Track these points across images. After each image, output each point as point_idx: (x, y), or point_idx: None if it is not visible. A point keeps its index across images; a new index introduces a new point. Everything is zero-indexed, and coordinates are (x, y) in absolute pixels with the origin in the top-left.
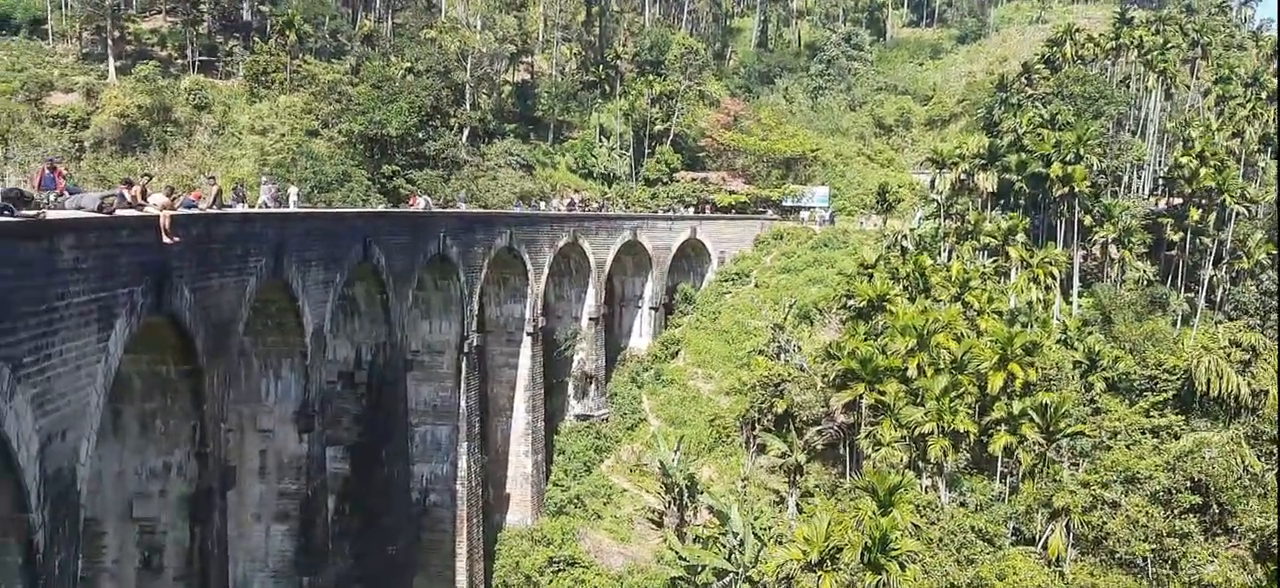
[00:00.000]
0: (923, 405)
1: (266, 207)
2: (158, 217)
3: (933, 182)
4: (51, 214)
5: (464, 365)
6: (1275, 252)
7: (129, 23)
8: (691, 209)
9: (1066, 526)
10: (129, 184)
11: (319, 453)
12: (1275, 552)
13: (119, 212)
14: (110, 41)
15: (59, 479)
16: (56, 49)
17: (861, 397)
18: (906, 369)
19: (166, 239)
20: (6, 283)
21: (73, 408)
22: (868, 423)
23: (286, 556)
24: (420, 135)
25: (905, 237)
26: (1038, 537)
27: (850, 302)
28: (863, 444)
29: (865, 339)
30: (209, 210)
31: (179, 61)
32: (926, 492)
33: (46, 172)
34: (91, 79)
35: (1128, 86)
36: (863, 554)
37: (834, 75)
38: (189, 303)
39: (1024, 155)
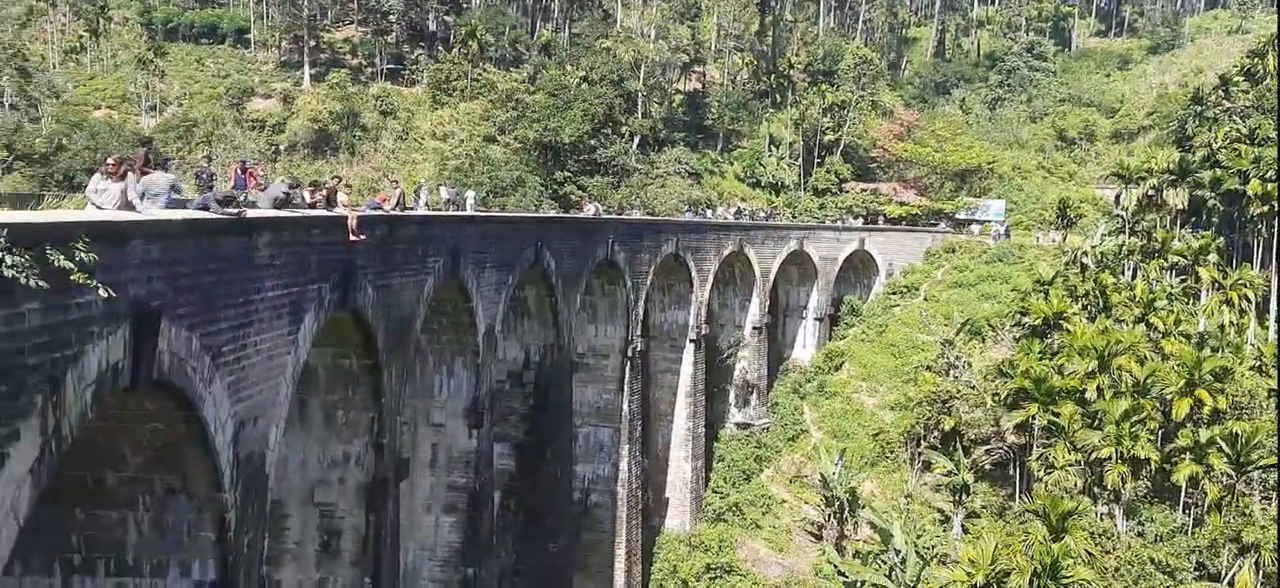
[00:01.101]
0: (1100, 429)
1: (446, 206)
2: (346, 217)
3: (1118, 197)
4: (250, 213)
5: (627, 370)
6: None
7: (324, 33)
8: (860, 220)
9: (1256, 563)
10: (316, 186)
11: (487, 449)
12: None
13: (303, 211)
14: (306, 50)
15: (250, 463)
16: (258, 57)
17: (1034, 417)
18: (1084, 391)
19: (353, 238)
20: (211, 276)
21: (264, 396)
22: (1040, 445)
23: (453, 546)
24: (592, 143)
25: (1085, 253)
26: (1223, 573)
27: (1025, 319)
28: (1034, 466)
29: (1040, 358)
30: (392, 212)
31: (368, 70)
32: (1102, 519)
33: (238, 172)
34: (288, 85)
35: None
36: (1032, 580)
37: (1014, 86)
38: (371, 300)
39: (1219, 171)
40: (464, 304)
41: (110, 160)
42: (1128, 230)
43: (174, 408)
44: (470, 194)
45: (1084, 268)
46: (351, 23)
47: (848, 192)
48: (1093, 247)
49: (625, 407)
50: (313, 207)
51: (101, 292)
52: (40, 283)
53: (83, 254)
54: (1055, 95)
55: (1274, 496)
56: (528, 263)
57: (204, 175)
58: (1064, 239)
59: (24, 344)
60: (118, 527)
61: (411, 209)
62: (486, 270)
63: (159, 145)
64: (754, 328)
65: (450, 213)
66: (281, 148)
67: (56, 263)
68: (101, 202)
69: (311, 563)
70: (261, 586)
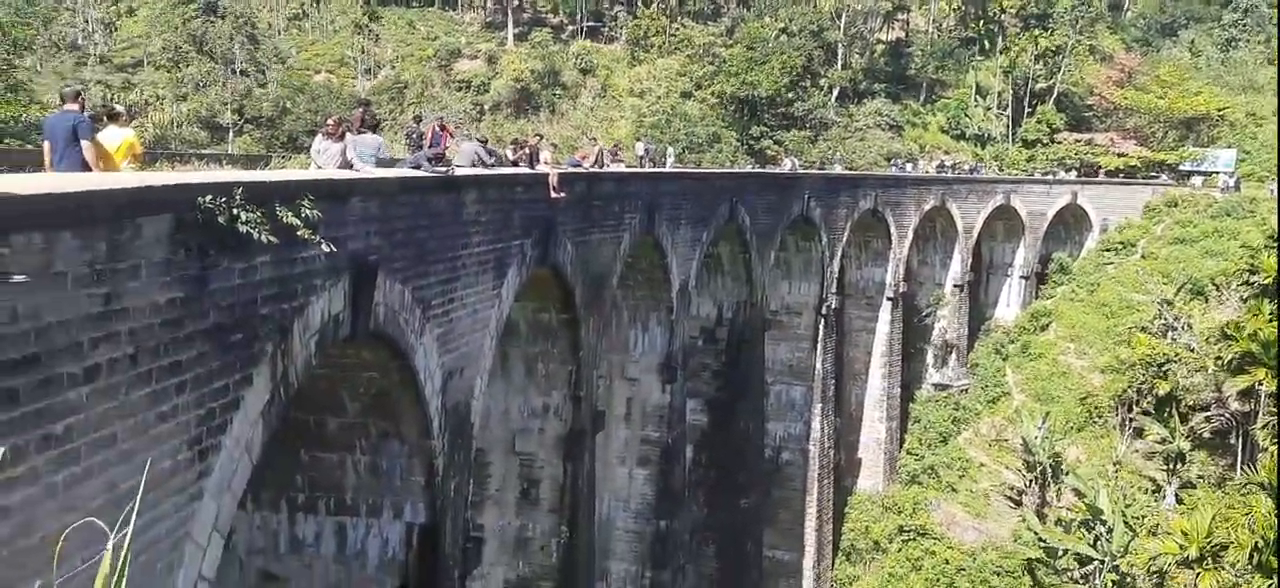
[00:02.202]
0: None
1: (641, 162)
2: (547, 174)
3: None
4: (457, 167)
5: (821, 328)
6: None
7: None
8: (1073, 173)
9: None
10: (518, 144)
11: (680, 404)
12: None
13: (503, 169)
14: (510, 10)
15: (456, 412)
16: (465, 18)
17: (1260, 383)
18: None
19: (554, 196)
20: (423, 232)
21: (470, 348)
22: (1267, 413)
23: (647, 498)
24: (790, 96)
25: None
26: None
27: (1254, 277)
28: (1260, 436)
29: (1270, 320)
30: (591, 169)
31: (569, 28)
32: None
33: (437, 129)
34: (493, 46)
35: None
36: (1252, 555)
37: (1252, 26)
38: (570, 256)
39: None
40: (658, 260)
41: (330, 122)
42: None
43: (388, 358)
44: (670, 150)
45: None
46: None
47: (1060, 142)
48: None
49: (818, 365)
50: (515, 164)
51: (324, 247)
52: (271, 238)
53: (308, 211)
54: None
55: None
56: (722, 219)
57: (414, 135)
58: None
59: (256, 295)
60: (337, 469)
61: (608, 167)
62: (681, 227)
63: (373, 107)
64: (955, 286)
65: (646, 169)
66: (485, 107)
67: (285, 219)
68: (322, 161)
69: (512, 509)
70: (466, 529)
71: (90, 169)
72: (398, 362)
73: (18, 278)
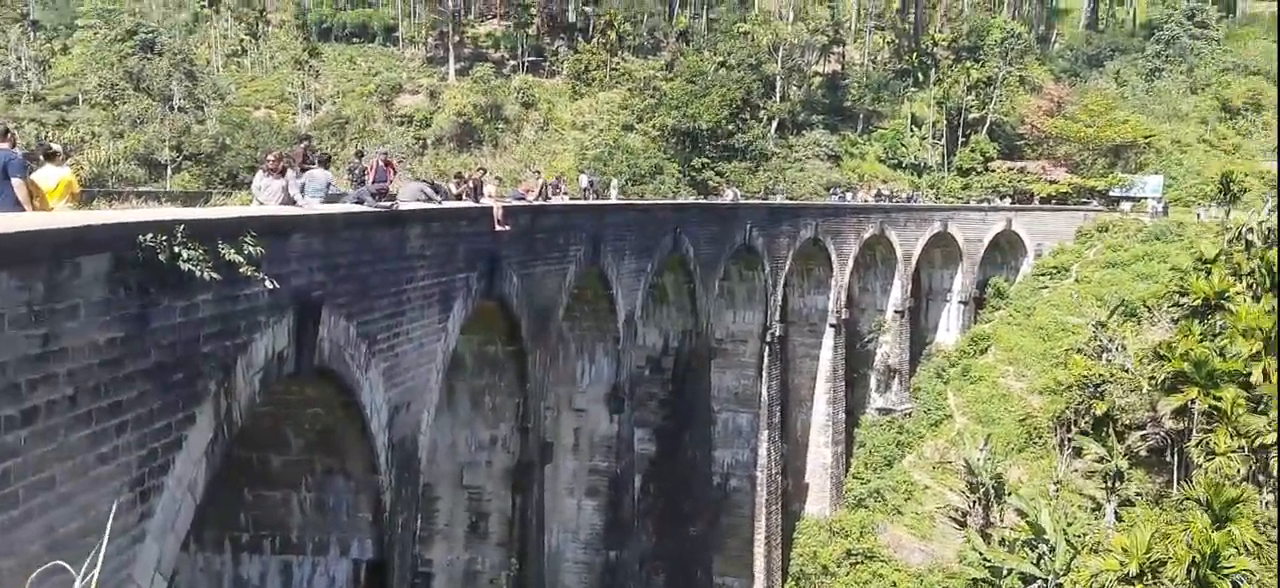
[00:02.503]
0: (1266, 414)
1: (585, 194)
2: (492, 208)
3: None
4: (401, 206)
5: (766, 355)
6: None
7: (467, 28)
8: (1007, 200)
9: None
10: (461, 178)
11: (628, 434)
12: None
13: (447, 204)
14: (451, 46)
15: (403, 446)
16: (406, 54)
17: (1193, 402)
18: (1248, 374)
19: (499, 228)
20: (366, 267)
21: (416, 382)
22: (1200, 430)
23: (596, 529)
24: (730, 128)
25: (1251, 229)
26: None
27: (1183, 299)
28: (1193, 453)
29: (1200, 340)
30: (535, 203)
31: (510, 63)
32: (1266, 508)
33: (381, 165)
34: (434, 81)
35: None
36: (1190, 570)
37: (1173, 56)
38: (516, 288)
39: None
40: (604, 291)
41: (271, 158)
42: None
43: (333, 394)
44: (614, 182)
45: (1249, 245)
46: (494, 17)
47: (994, 171)
48: (1259, 222)
49: (764, 392)
50: (458, 198)
51: (268, 283)
52: (212, 275)
53: (251, 248)
54: (1218, 65)
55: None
56: (666, 250)
57: (356, 170)
58: (1227, 215)
59: (198, 333)
60: (282, 507)
61: (552, 199)
62: (626, 258)
63: (315, 142)
64: (896, 312)
65: (590, 201)
66: (428, 142)
67: (227, 256)
68: (264, 197)
69: (461, 543)
70: (415, 564)
71: (22, 208)
72: (343, 397)
73: None
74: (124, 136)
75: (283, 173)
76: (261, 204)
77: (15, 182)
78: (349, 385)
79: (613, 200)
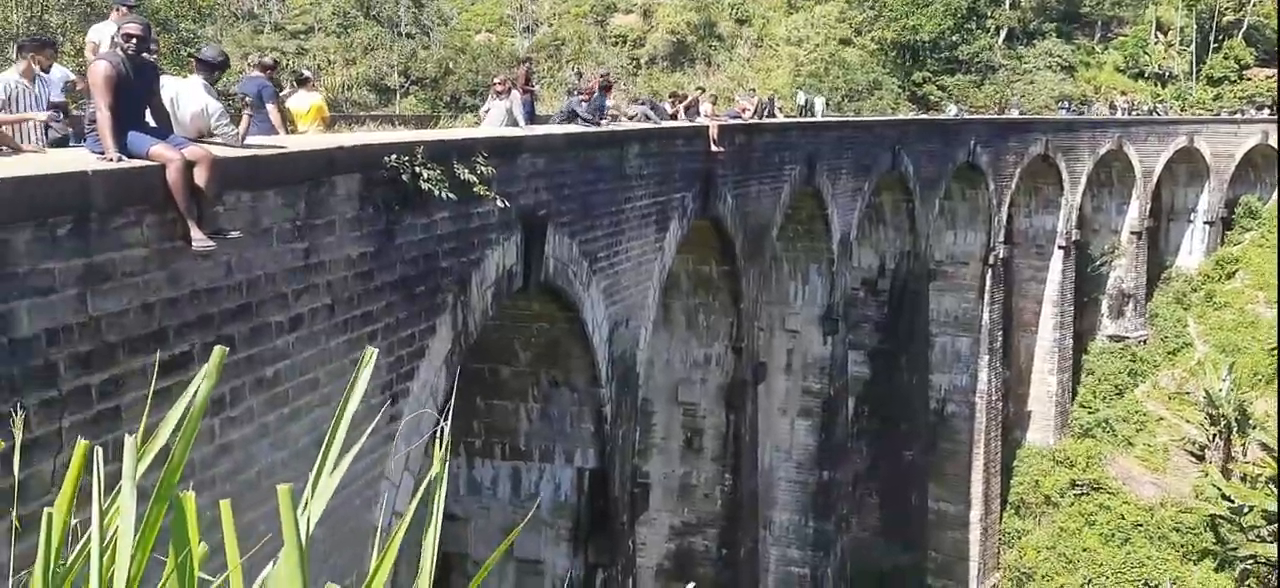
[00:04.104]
0: None
1: (802, 112)
2: (707, 127)
3: None
4: (616, 126)
5: (988, 278)
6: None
7: None
8: (1265, 112)
9: None
10: (677, 97)
11: (842, 356)
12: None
13: (665, 123)
14: None
15: (623, 361)
16: None
17: None
18: None
19: (714, 148)
20: (587, 187)
21: (634, 299)
22: None
23: (809, 449)
24: (954, 39)
25: None
26: None
27: None
28: None
29: None
30: (750, 120)
31: None
32: None
33: (599, 87)
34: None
35: None
36: None
37: None
38: (730, 208)
39: None
40: (819, 211)
41: (498, 80)
42: None
43: (557, 310)
44: (820, 100)
45: None
46: None
47: (1250, 79)
48: None
49: (985, 316)
50: (674, 117)
51: (499, 202)
52: (449, 194)
53: (483, 168)
54: None
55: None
56: (884, 168)
57: (576, 93)
58: None
59: (437, 249)
60: (511, 416)
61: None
62: (842, 176)
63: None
64: (1132, 233)
65: (805, 119)
66: (641, 62)
67: (462, 176)
68: (490, 119)
69: (676, 457)
70: (634, 475)
71: (275, 132)
72: (567, 313)
73: (233, 234)
74: (356, 63)
75: (508, 94)
76: (489, 125)
77: (269, 108)
78: (572, 301)
79: (818, 117)
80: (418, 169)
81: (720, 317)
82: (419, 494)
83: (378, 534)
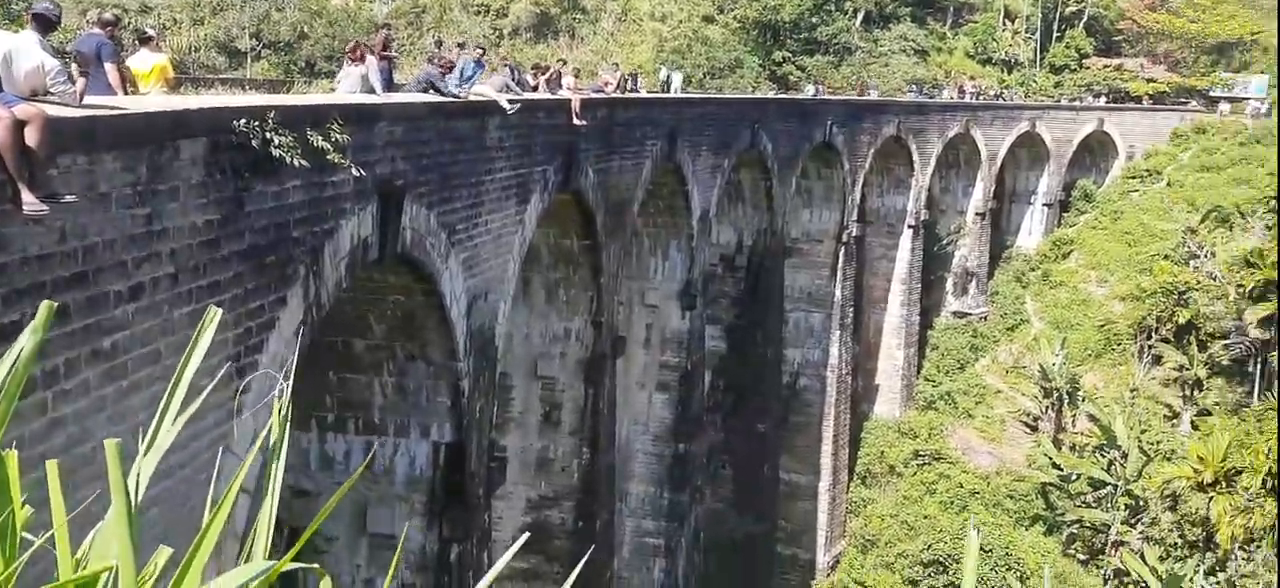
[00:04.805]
0: None
1: (664, 88)
2: (570, 100)
3: None
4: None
5: (841, 255)
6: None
7: None
8: (1102, 99)
9: None
10: (539, 69)
11: (699, 330)
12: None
13: (525, 95)
14: None
15: (481, 334)
16: None
17: None
18: None
19: (576, 121)
20: (447, 157)
21: (494, 272)
22: None
23: (665, 422)
24: (813, 20)
25: None
26: None
27: None
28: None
29: None
30: (613, 95)
31: None
32: None
33: (471, 60)
34: None
35: None
36: (1265, 480)
37: None
38: (592, 182)
39: None
40: (679, 187)
41: (351, 46)
42: None
43: (414, 282)
44: (677, 76)
45: None
46: None
47: (1088, 68)
48: None
49: (837, 292)
50: (535, 90)
51: (354, 170)
52: (302, 162)
53: (337, 135)
54: None
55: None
56: (744, 146)
57: (435, 60)
58: None
59: (289, 218)
60: (365, 390)
61: (630, 92)
62: (702, 153)
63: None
64: (977, 214)
65: (669, 95)
66: (504, 32)
67: (315, 143)
68: (345, 86)
69: (534, 431)
70: (491, 449)
71: (114, 93)
72: (424, 285)
73: (68, 198)
74: (205, 23)
75: (362, 60)
76: (344, 92)
77: (108, 67)
78: (430, 273)
79: (674, 93)
80: (269, 135)
81: (580, 291)
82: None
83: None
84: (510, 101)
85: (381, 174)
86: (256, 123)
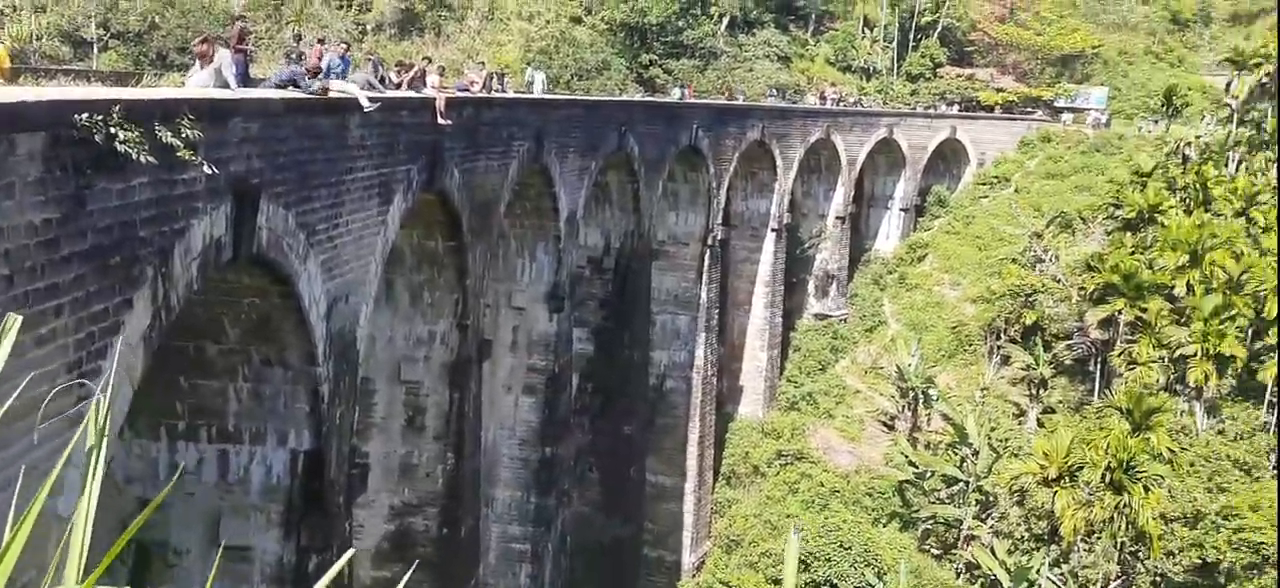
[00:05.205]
0: (1187, 326)
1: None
2: (434, 98)
3: (1229, 85)
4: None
5: (707, 258)
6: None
7: None
8: (954, 107)
9: None
10: (403, 67)
11: (567, 333)
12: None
13: (389, 92)
14: None
15: (342, 338)
16: None
17: (1120, 313)
18: (1173, 287)
19: (441, 120)
20: (306, 155)
21: (355, 274)
22: (1124, 341)
23: (532, 426)
24: (680, 24)
25: (1189, 144)
26: None
27: (1118, 212)
28: (1116, 362)
29: (1131, 253)
30: (479, 94)
31: None
32: (1182, 417)
33: (335, 55)
34: None
35: None
36: (1105, 474)
37: None
38: (458, 182)
39: None
40: (547, 189)
41: (199, 40)
42: (1237, 121)
43: (271, 284)
44: (540, 76)
45: (1186, 159)
46: None
47: (942, 77)
48: (1197, 137)
49: (703, 295)
50: (398, 87)
51: (205, 168)
52: (150, 158)
53: (188, 131)
54: None
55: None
56: (611, 148)
57: (294, 55)
58: (1167, 129)
59: (135, 217)
60: (219, 396)
61: (496, 92)
62: (570, 155)
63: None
64: (837, 218)
65: (536, 96)
66: (368, 27)
67: (164, 139)
68: (197, 80)
69: (397, 437)
70: (352, 456)
71: None
72: (281, 287)
73: None
74: (46, 11)
75: (212, 56)
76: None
77: None
78: (287, 275)
79: (536, 94)
80: (113, 130)
81: (445, 293)
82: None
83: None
84: (371, 99)
85: (236, 172)
86: (100, 117)
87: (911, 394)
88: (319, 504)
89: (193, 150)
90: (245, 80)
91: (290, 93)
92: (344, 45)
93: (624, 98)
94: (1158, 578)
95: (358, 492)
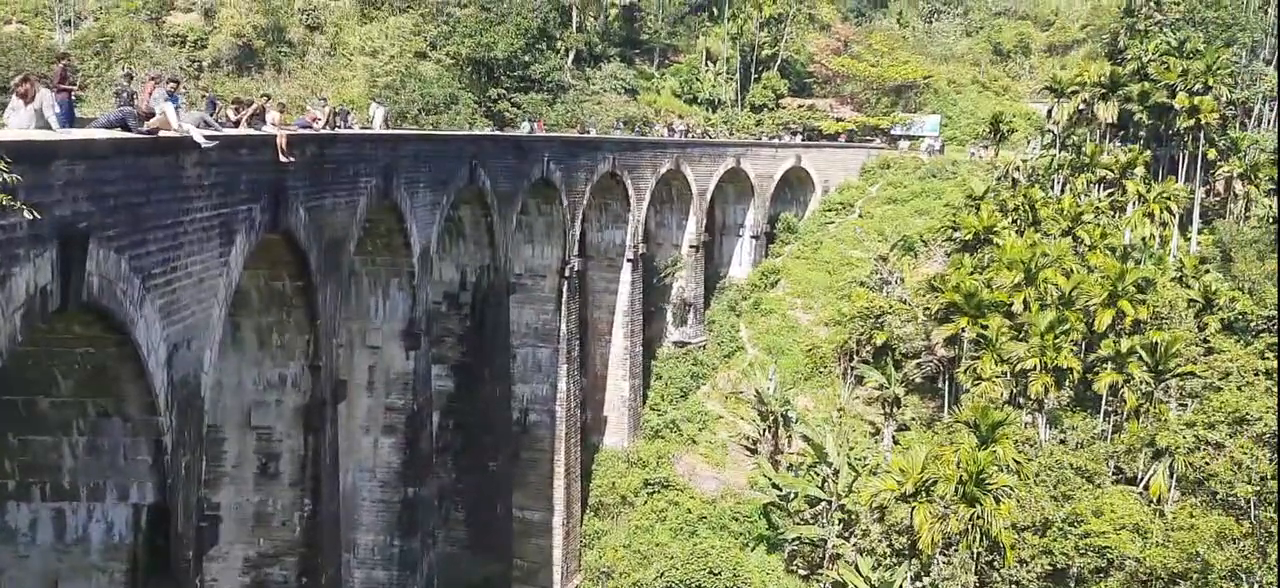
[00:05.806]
0: (1026, 341)
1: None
2: (275, 136)
3: (1050, 111)
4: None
5: (565, 290)
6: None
7: None
8: (798, 137)
9: (1170, 466)
10: (240, 104)
11: (425, 370)
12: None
13: (226, 130)
14: None
15: (185, 386)
16: None
17: (963, 331)
18: (1011, 304)
19: (283, 158)
20: (138, 197)
21: (197, 319)
22: (969, 357)
23: (392, 467)
24: (526, 58)
25: (1017, 168)
26: (1139, 477)
27: (956, 234)
28: (962, 378)
29: (970, 273)
30: (322, 131)
31: None
32: (1026, 428)
33: (164, 92)
34: None
35: (1265, 12)
36: (958, 487)
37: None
38: (304, 221)
39: (1148, 85)
40: (398, 225)
41: (19, 80)
42: (1059, 145)
43: (105, 332)
44: (380, 111)
45: (1015, 183)
46: None
47: (785, 108)
48: (1024, 161)
49: (563, 327)
50: (236, 125)
51: (26, 213)
52: None
53: (4, 175)
54: (991, 9)
55: (1186, 402)
56: (463, 182)
57: (124, 94)
58: (996, 154)
59: None
60: (52, 452)
61: (340, 129)
62: (420, 190)
63: (75, 62)
64: (691, 247)
65: (382, 131)
66: (204, 65)
67: None
68: (15, 122)
69: (250, 485)
70: (200, 507)
71: None
72: (116, 335)
73: None
74: None
75: (33, 96)
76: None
77: None
78: (121, 322)
79: (377, 129)
80: None
81: (296, 334)
82: None
83: None
84: (207, 137)
85: (61, 216)
86: None
87: (771, 418)
88: (165, 561)
89: (10, 195)
90: (70, 121)
91: (119, 134)
92: (173, 82)
93: (474, 131)
94: (1013, 585)
95: (208, 545)
